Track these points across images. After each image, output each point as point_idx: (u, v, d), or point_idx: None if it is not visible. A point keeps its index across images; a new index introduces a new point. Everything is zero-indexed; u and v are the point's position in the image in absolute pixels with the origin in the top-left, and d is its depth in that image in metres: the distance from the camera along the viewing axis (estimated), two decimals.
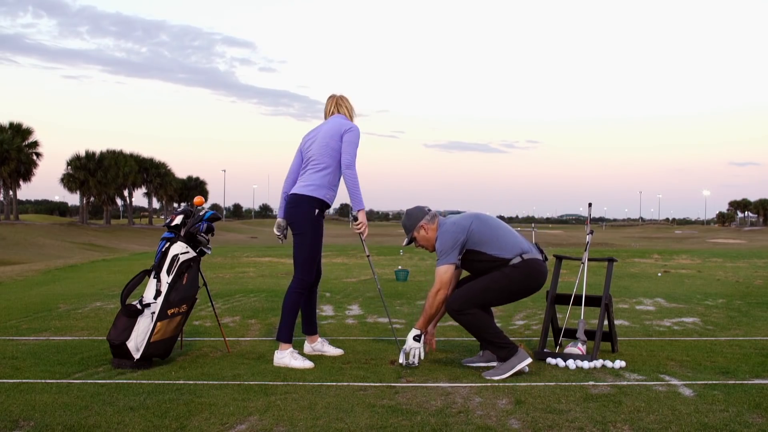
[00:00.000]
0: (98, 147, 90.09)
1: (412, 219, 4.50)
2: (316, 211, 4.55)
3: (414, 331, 4.32)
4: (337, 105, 4.78)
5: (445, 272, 4.26)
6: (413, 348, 4.28)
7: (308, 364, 4.37)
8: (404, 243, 4.62)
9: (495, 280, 4.23)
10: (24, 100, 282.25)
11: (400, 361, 4.12)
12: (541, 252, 4.42)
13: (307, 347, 4.81)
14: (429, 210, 4.51)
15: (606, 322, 4.76)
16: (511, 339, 4.25)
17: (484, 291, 4.23)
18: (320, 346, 4.81)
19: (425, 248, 4.53)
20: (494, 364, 4.33)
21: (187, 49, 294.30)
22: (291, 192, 4.62)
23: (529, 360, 4.15)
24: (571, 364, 4.37)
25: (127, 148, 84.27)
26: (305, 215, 4.54)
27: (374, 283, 10.19)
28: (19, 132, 60.63)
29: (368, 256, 4.89)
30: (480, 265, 4.30)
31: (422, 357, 4.29)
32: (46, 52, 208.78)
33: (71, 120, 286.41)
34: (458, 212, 4.56)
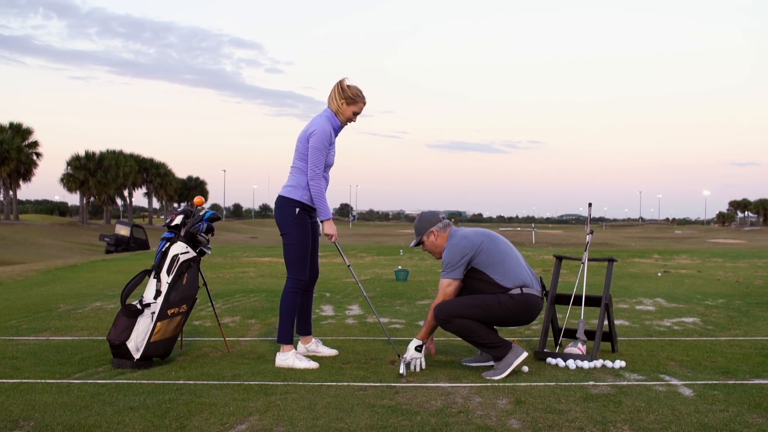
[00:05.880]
0: (100, 147, 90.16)
1: (424, 222, 4.48)
2: (297, 210, 4.54)
3: (415, 342, 4.32)
4: (329, 98, 4.63)
5: (448, 285, 4.27)
6: (415, 358, 4.28)
7: (313, 364, 4.36)
8: (411, 244, 4.60)
9: (488, 303, 4.22)
10: (29, 100, 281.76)
11: (401, 371, 4.12)
12: (542, 286, 4.43)
13: (301, 348, 4.80)
14: (443, 217, 4.50)
15: (606, 322, 4.76)
16: (503, 338, 4.25)
17: (474, 308, 4.21)
18: (314, 346, 4.80)
19: (431, 253, 4.52)
20: (493, 363, 4.34)
21: (194, 50, 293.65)
22: None
23: (525, 354, 4.14)
24: (571, 364, 4.37)
25: (128, 148, 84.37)
26: (286, 216, 4.54)
27: (373, 283, 10.18)
28: (19, 132, 60.69)
29: (349, 266, 4.87)
30: (479, 284, 4.30)
31: (423, 367, 4.29)
32: (54, 53, 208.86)
33: (74, 120, 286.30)
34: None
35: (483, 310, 4.21)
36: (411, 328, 5.96)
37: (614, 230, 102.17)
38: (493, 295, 4.23)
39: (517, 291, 4.23)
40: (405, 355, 4.27)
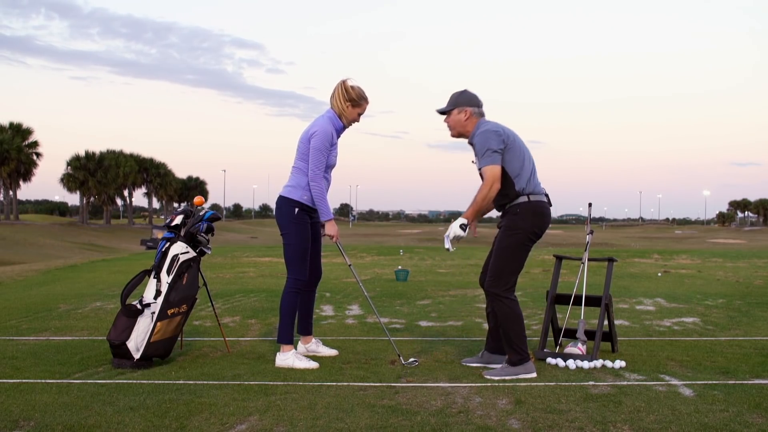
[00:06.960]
0: (100, 147, 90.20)
1: (465, 98, 4.34)
2: (296, 210, 4.53)
3: (461, 220, 4.22)
4: (330, 98, 4.61)
5: (494, 169, 4.14)
6: (457, 235, 4.22)
7: (313, 364, 4.36)
8: (437, 109, 4.42)
9: (508, 244, 4.20)
10: (30, 100, 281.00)
11: (446, 246, 4.22)
12: (546, 196, 4.38)
13: (301, 347, 4.79)
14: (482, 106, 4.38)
15: (606, 322, 4.76)
16: (528, 351, 4.20)
17: (505, 259, 4.19)
18: (314, 346, 4.80)
19: (450, 128, 4.39)
20: (493, 366, 4.33)
21: (196, 50, 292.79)
22: None
23: (534, 375, 4.12)
24: (571, 364, 4.37)
25: (129, 148, 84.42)
26: (286, 216, 4.55)
27: (373, 283, 10.19)
28: (19, 132, 60.77)
29: (350, 265, 4.90)
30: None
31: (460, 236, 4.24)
32: (56, 53, 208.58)
33: (75, 120, 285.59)
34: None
35: (515, 253, 4.19)
36: (411, 328, 5.96)
37: (614, 230, 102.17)
38: (502, 234, 4.23)
39: (524, 199, 4.21)
40: (448, 233, 4.23)
